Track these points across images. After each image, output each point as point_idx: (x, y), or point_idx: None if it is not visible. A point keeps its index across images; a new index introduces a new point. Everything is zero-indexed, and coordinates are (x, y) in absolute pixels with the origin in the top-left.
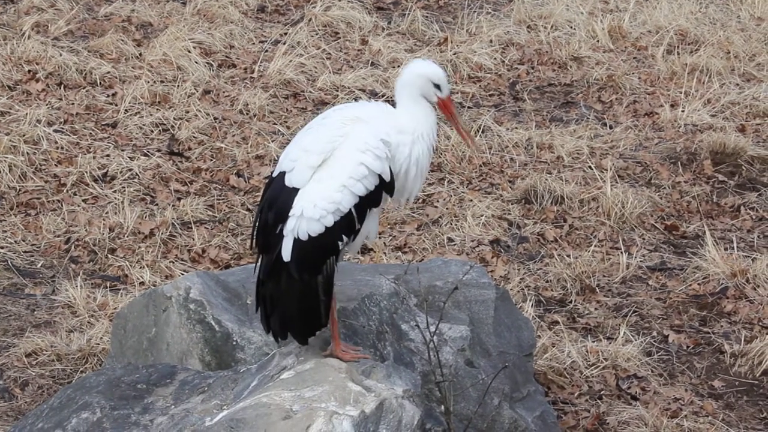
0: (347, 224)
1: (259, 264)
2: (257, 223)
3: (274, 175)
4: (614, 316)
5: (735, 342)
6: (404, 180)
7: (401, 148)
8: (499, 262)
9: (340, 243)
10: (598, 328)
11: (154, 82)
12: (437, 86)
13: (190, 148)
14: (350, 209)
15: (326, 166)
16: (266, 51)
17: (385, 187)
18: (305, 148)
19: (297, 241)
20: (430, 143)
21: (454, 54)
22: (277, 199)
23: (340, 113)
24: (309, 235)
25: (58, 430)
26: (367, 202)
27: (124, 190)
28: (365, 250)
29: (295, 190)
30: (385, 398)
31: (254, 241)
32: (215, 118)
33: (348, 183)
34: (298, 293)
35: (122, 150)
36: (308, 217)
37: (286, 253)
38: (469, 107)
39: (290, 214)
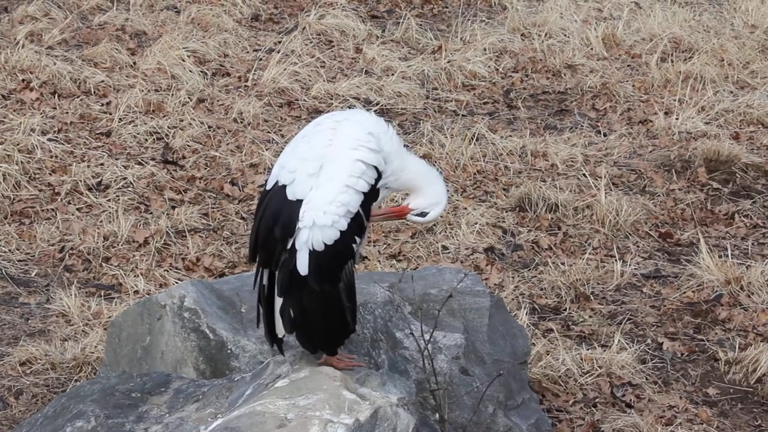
0: (358, 224)
1: (258, 277)
2: (257, 237)
3: (269, 186)
4: (609, 324)
5: (729, 349)
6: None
7: (394, 176)
8: (494, 270)
9: (354, 246)
10: (593, 335)
11: (148, 90)
12: (422, 215)
13: (184, 157)
14: (358, 209)
15: (323, 170)
16: (260, 59)
17: (381, 177)
18: (302, 157)
19: (313, 253)
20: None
21: (448, 62)
22: (281, 213)
23: (332, 118)
24: (325, 244)
25: None
26: (370, 197)
27: (119, 199)
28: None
29: (299, 202)
30: (380, 406)
31: (253, 254)
32: (209, 127)
33: (350, 182)
34: (321, 305)
35: (116, 159)
36: (321, 225)
37: (303, 267)
38: (463, 115)
39: (300, 226)
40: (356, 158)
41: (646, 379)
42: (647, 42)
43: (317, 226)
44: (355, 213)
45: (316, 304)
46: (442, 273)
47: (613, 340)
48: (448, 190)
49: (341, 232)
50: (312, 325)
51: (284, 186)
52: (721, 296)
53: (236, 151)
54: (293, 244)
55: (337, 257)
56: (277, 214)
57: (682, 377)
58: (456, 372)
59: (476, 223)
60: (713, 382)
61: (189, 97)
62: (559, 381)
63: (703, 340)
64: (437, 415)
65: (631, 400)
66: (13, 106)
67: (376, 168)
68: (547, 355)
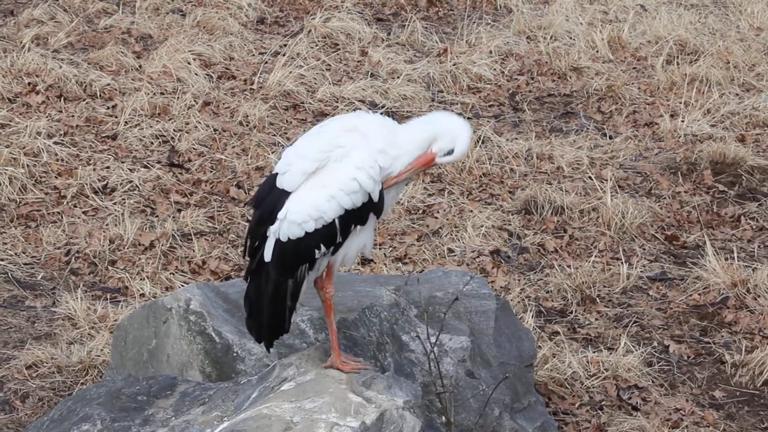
0: (328, 234)
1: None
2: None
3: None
4: (615, 327)
5: (736, 352)
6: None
7: (401, 159)
8: (500, 273)
9: (317, 251)
10: (599, 338)
11: (154, 93)
12: (450, 153)
13: (190, 160)
14: (334, 219)
15: (320, 174)
16: (266, 62)
17: (373, 207)
18: (300, 153)
19: (278, 242)
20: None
21: (454, 65)
22: (265, 199)
23: (340, 122)
24: (288, 238)
25: None
26: (353, 217)
27: (125, 202)
28: (365, 261)
29: (285, 193)
30: (386, 409)
31: (245, 246)
32: (215, 130)
33: (337, 195)
34: (273, 293)
35: (122, 162)
36: (290, 220)
37: (268, 253)
38: (468, 118)
39: (278, 216)
40: (354, 177)
41: (653, 381)
42: (653, 44)
43: (287, 220)
44: (329, 222)
45: (270, 291)
46: (447, 276)
47: (620, 343)
48: (463, 120)
49: (306, 233)
50: (260, 310)
51: (276, 174)
52: (727, 299)
53: (242, 154)
54: (266, 231)
55: (295, 255)
56: (261, 199)
57: (688, 380)
58: (462, 375)
59: (482, 226)
60: (720, 384)
61: (195, 100)
62: (566, 384)
63: (709, 343)
64: (443, 418)
65: (637, 402)
66: (19, 109)
67: (369, 195)
68: (553, 357)
